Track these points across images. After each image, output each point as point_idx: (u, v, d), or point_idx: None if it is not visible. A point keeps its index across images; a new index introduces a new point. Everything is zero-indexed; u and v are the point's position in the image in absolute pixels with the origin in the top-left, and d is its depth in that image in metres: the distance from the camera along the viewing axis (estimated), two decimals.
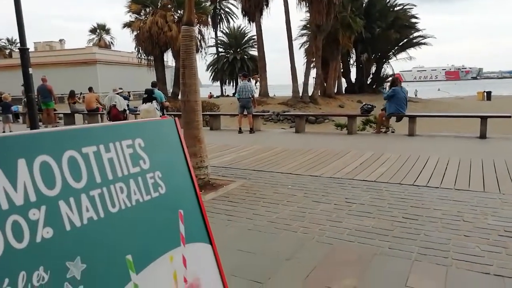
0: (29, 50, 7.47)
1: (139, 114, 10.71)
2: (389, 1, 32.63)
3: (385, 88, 36.61)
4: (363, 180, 5.14)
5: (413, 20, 32.82)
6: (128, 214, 1.17)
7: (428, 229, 3.44)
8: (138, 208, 1.21)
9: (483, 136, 8.24)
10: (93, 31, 50.19)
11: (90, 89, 14.83)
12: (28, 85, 7.26)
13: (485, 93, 36.03)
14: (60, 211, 1.00)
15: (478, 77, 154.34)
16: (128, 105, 11.70)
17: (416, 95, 38.10)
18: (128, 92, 16.68)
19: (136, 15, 26.31)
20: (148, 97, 9.98)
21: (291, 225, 3.65)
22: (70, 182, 1.05)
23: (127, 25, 26.21)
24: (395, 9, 32.45)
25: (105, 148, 1.16)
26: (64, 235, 0.99)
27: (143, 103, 10.10)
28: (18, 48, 7.61)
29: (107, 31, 50.59)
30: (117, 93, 11.09)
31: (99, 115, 13.66)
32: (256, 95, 16.50)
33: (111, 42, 50.27)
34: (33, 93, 7.52)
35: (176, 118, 1.44)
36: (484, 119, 8.39)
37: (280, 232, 3.50)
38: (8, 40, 51.24)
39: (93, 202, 1.09)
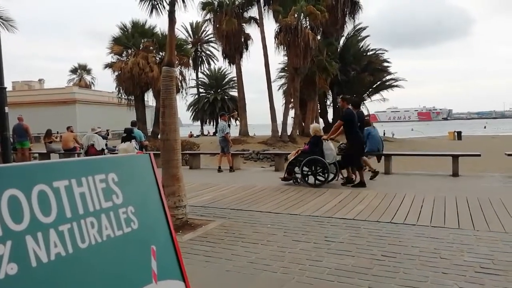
0: (7, 89, 7.40)
1: (117, 153, 10.57)
2: (362, 46, 34.44)
3: None
4: (342, 218, 5.15)
5: (385, 64, 34.57)
6: (98, 250, 1.14)
7: (406, 266, 3.45)
8: (109, 243, 1.18)
9: (455, 174, 8.51)
10: (73, 71, 50.21)
11: (68, 128, 14.61)
12: (3, 124, 7.13)
13: (456, 133, 37.63)
14: (26, 246, 0.97)
15: (448, 118, 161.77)
16: (106, 145, 11.57)
17: (393, 135, 39.37)
18: (107, 130, 16.49)
19: (118, 56, 26.68)
20: (127, 136, 9.93)
21: (271, 265, 3.58)
22: (39, 217, 1.03)
23: (109, 65, 26.46)
24: (368, 53, 34.20)
25: (77, 182, 1.15)
26: (29, 271, 0.95)
27: (122, 142, 10.01)
28: None
29: (88, 71, 50.71)
30: (96, 133, 10.99)
31: (76, 155, 13.37)
32: (233, 133, 16.63)
33: (92, 82, 50.30)
34: (7, 132, 7.37)
35: (151, 154, 1.45)
36: (455, 157, 8.70)
37: (259, 273, 3.42)
38: None
39: (62, 237, 1.06)
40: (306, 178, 7.76)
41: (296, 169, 7.95)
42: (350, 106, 7.82)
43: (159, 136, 9.45)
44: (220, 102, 44.11)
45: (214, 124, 44.48)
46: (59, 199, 1.09)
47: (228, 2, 25.74)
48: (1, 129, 7.25)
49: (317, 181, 7.74)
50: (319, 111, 33.69)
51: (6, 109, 7.12)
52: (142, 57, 25.20)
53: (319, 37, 26.28)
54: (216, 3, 26.32)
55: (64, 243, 1.06)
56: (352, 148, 7.64)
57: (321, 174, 7.74)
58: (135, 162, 1.41)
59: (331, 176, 7.81)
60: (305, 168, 7.75)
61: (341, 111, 8.03)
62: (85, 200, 1.16)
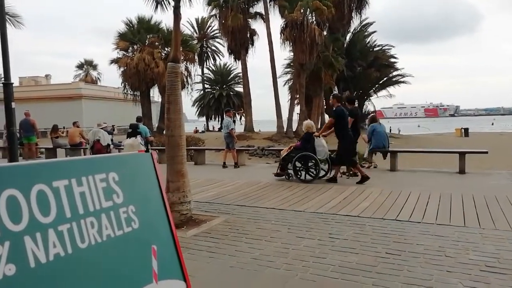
0: (14, 85, 7.45)
1: (123, 149, 10.62)
2: (369, 42, 34.23)
3: (366, 124, 37.55)
4: (347, 215, 5.13)
5: (392, 59, 34.37)
6: (98, 250, 1.13)
7: (411, 264, 3.43)
8: (109, 243, 1.17)
9: (462, 171, 8.43)
10: (80, 66, 50.53)
11: (74, 123, 14.68)
12: (10, 119, 7.18)
13: (463, 130, 37.34)
14: (25, 246, 0.95)
15: (455, 114, 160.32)
16: (112, 140, 11.63)
17: (399, 132, 39.14)
18: (113, 126, 16.56)
19: (124, 52, 26.75)
20: (133, 132, 9.97)
21: (274, 262, 3.58)
22: (38, 217, 1.02)
23: (115, 61, 26.57)
24: (375, 49, 33.97)
25: (77, 182, 1.13)
26: (27, 272, 0.94)
27: (127, 137, 10.05)
28: (2, 83, 7.58)
29: (94, 67, 51.01)
30: (101, 128, 11.04)
31: (82, 150, 13.45)
32: (238, 129, 16.69)
33: (98, 78, 50.59)
34: (14, 127, 7.42)
35: (153, 152, 1.44)
36: (462, 155, 8.62)
37: (263, 269, 3.42)
38: None
39: (61, 237, 1.05)
40: (298, 174, 7.88)
41: (289, 165, 8.04)
42: (342, 104, 7.92)
43: (164, 132, 9.48)
44: (225, 98, 44.14)
45: (220, 119, 44.55)
46: (58, 199, 1.08)
47: None
48: (8, 124, 7.31)
49: (308, 177, 7.87)
50: (325, 107, 33.59)
51: (13, 104, 7.17)
52: (148, 52, 25.25)
53: (325, 33, 26.14)
54: None
55: (64, 243, 1.05)
56: (340, 146, 7.69)
57: (312, 170, 7.87)
58: (137, 161, 1.40)
59: (323, 172, 7.91)
60: (297, 164, 7.89)
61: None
62: (85, 200, 1.15)
